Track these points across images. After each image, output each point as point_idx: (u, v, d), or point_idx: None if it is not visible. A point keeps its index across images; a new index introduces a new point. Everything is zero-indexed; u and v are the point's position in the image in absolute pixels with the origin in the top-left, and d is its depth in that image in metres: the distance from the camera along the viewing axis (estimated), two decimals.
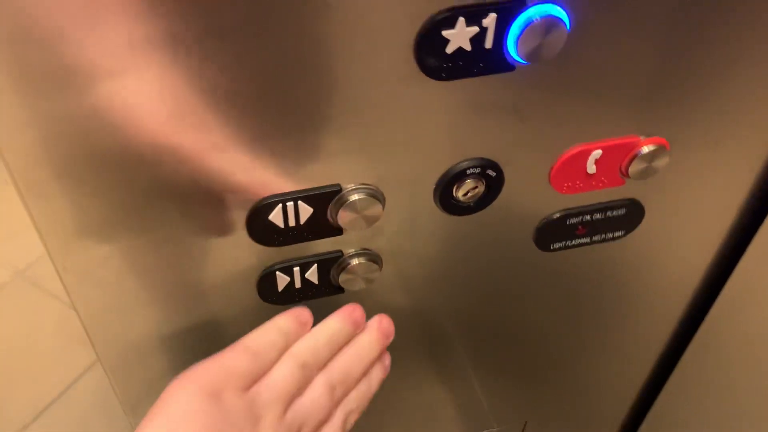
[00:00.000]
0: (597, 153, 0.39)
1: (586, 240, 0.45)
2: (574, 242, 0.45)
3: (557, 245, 0.45)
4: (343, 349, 0.39)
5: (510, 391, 0.62)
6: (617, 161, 0.40)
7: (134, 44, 0.29)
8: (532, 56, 0.33)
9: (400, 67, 0.33)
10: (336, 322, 0.39)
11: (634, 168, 0.40)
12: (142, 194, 0.36)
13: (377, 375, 0.41)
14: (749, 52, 0.37)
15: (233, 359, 0.35)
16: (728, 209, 0.47)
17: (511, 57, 0.33)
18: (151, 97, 0.31)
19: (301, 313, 0.39)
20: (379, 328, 0.40)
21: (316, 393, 0.36)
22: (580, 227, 0.44)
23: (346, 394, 0.38)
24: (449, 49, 0.32)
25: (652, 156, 0.40)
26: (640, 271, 0.50)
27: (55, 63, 0.29)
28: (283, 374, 0.35)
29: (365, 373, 0.39)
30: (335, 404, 0.37)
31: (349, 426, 0.39)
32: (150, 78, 0.31)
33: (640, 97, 0.38)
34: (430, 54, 0.32)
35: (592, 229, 0.45)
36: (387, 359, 0.42)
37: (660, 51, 0.36)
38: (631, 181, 0.42)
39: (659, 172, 0.41)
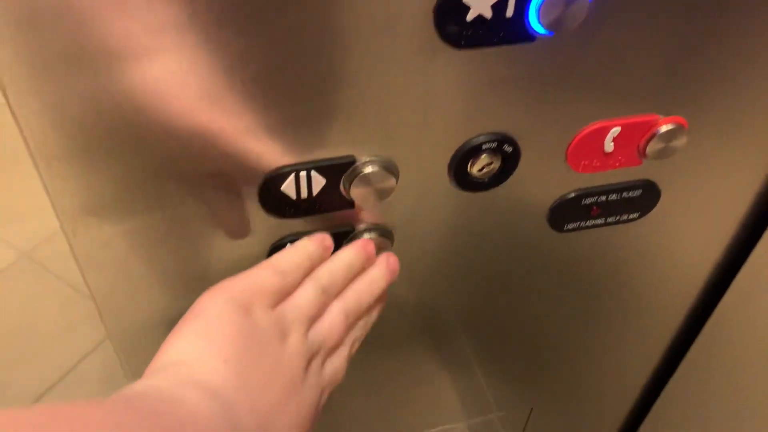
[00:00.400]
0: (615, 130, 0.39)
1: (601, 221, 0.45)
2: (588, 223, 0.45)
3: (571, 226, 0.45)
4: (357, 279, 0.40)
5: (517, 376, 0.62)
6: (635, 140, 0.40)
7: (151, 24, 0.29)
8: (554, 26, 0.32)
9: (420, 34, 0.32)
10: (352, 253, 0.40)
11: (652, 147, 0.40)
12: (155, 168, 0.35)
13: (377, 308, 0.42)
14: None
15: (263, 277, 0.36)
16: (744, 194, 0.47)
17: (532, 27, 0.33)
18: (168, 71, 0.31)
19: (324, 238, 0.40)
20: (388, 265, 0.41)
21: (333, 318, 0.38)
22: (594, 208, 0.44)
23: (356, 322, 0.40)
24: (470, 16, 0.32)
25: (670, 135, 0.39)
26: (654, 254, 0.50)
27: (75, 42, 0.29)
28: (306, 297, 0.37)
29: (372, 304, 0.41)
30: (347, 331, 0.39)
31: (352, 352, 0.40)
32: (166, 53, 0.30)
33: (661, 75, 0.38)
34: (450, 21, 0.32)
35: (607, 210, 0.44)
36: (384, 294, 0.43)
37: (683, 30, 0.36)
38: (647, 162, 0.41)
39: (677, 153, 0.41)
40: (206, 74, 0.32)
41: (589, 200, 0.43)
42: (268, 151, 0.36)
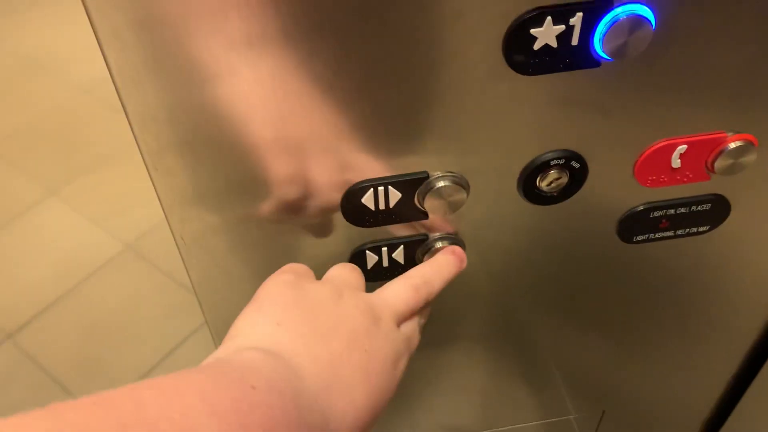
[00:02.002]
0: (682, 148, 0.40)
1: (670, 233, 0.46)
2: (657, 235, 0.46)
3: (640, 238, 0.46)
4: (423, 264, 0.43)
5: (589, 380, 0.63)
6: (703, 156, 0.41)
7: (251, 42, 0.33)
8: (618, 53, 0.34)
9: (490, 62, 0.35)
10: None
11: (720, 164, 0.41)
12: (251, 175, 0.39)
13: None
14: None
15: None
16: None
17: (597, 53, 0.35)
18: (263, 89, 0.35)
19: None
20: (454, 253, 0.44)
21: (397, 286, 0.40)
22: (663, 221, 0.45)
23: (426, 298, 0.41)
24: (536, 45, 0.34)
25: (739, 152, 0.40)
26: (725, 267, 0.50)
27: (181, 59, 0.33)
28: (343, 265, 0.41)
29: (442, 287, 0.42)
30: (419, 301, 0.40)
31: (423, 323, 0.42)
32: (261, 72, 0.34)
33: (728, 95, 0.38)
34: (517, 50, 0.34)
35: (676, 222, 0.45)
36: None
37: (748, 51, 0.37)
38: (717, 176, 0.42)
39: (746, 169, 0.41)
40: (301, 95, 0.36)
41: (657, 213, 0.44)
42: (351, 166, 0.39)
